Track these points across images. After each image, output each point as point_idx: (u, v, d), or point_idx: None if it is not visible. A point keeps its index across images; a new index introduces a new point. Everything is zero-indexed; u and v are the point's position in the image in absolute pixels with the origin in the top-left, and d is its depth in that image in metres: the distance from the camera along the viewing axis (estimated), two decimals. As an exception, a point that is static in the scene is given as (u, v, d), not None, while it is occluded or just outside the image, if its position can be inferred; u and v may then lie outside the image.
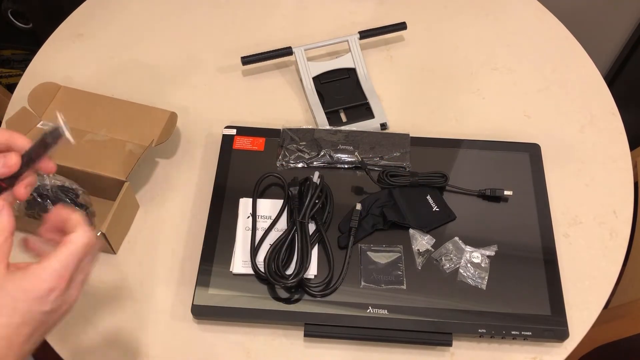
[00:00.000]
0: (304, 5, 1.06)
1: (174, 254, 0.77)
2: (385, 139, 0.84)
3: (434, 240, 0.75)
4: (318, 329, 0.70)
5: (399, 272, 0.73)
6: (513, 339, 0.70)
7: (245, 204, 0.78)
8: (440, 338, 0.69)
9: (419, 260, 0.74)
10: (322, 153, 0.82)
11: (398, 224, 0.76)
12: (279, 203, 0.78)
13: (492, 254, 0.74)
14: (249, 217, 0.77)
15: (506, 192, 0.79)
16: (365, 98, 0.91)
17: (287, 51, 0.93)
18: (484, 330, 0.69)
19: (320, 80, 0.93)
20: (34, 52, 0.98)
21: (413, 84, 0.95)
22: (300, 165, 0.82)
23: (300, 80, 0.94)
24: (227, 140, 0.84)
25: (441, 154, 0.84)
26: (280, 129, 0.85)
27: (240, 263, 0.73)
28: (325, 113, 0.89)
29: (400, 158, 0.82)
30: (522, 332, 0.69)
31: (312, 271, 0.73)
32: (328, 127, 0.87)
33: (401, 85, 0.95)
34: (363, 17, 1.03)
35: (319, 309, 0.70)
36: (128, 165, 0.77)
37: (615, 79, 1.55)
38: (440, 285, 0.72)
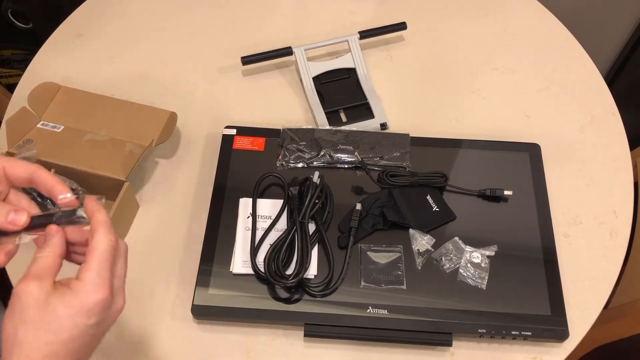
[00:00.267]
0: (304, 5, 1.05)
1: (174, 254, 0.77)
2: (385, 139, 0.84)
3: (434, 240, 0.75)
4: (318, 329, 0.70)
5: (399, 272, 0.73)
6: (513, 339, 0.70)
7: (245, 204, 0.78)
8: (440, 338, 0.69)
9: (419, 260, 0.74)
10: (322, 153, 0.82)
11: (398, 224, 0.76)
12: (279, 203, 0.78)
13: (492, 254, 0.74)
14: (249, 217, 0.77)
15: (506, 192, 0.79)
16: (365, 98, 0.91)
17: (287, 51, 0.93)
18: (484, 330, 0.69)
19: (320, 80, 0.93)
20: (34, 52, 0.98)
21: (413, 84, 0.95)
22: (300, 165, 0.82)
23: (300, 80, 0.94)
24: (227, 140, 0.84)
25: (441, 154, 0.84)
26: (280, 129, 0.85)
27: (240, 263, 0.73)
28: (325, 113, 0.89)
29: (400, 158, 0.82)
30: (522, 332, 0.69)
31: (312, 271, 0.73)
32: (328, 127, 0.87)
33: (401, 85, 0.95)
34: (363, 17, 1.03)
35: (319, 309, 0.70)
36: (128, 165, 0.77)
37: (615, 79, 1.55)
38: (440, 285, 0.72)
